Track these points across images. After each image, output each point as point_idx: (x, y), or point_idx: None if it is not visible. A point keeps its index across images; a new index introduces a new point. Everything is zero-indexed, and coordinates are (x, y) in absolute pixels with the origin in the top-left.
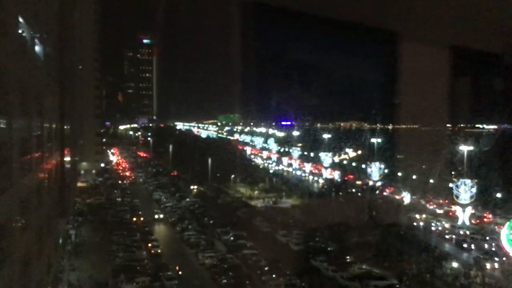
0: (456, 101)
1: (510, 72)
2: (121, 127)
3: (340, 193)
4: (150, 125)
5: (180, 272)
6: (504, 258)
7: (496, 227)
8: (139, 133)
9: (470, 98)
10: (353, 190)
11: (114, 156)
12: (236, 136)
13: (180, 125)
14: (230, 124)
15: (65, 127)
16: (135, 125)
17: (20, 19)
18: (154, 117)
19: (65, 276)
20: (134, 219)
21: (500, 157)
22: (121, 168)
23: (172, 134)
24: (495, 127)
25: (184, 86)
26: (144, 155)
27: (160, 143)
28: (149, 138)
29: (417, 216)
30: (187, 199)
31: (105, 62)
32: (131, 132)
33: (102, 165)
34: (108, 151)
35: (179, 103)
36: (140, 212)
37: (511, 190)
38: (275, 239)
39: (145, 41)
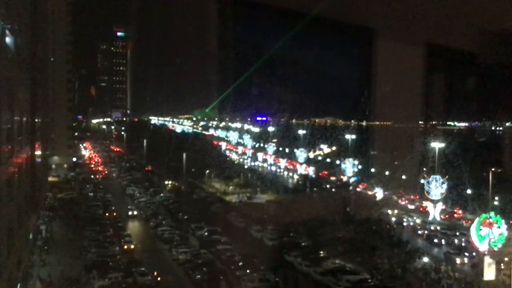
0: (429, 99)
1: (483, 71)
2: (94, 121)
3: (315, 189)
4: (124, 119)
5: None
6: (473, 253)
7: (466, 222)
8: (113, 127)
9: (443, 96)
10: (327, 186)
11: (86, 151)
12: (212, 131)
13: (154, 120)
14: (205, 119)
15: (36, 120)
16: (109, 119)
17: None
18: (128, 111)
19: (36, 271)
20: (107, 214)
21: (470, 154)
22: (93, 162)
23: (147, 128)
24: (467, 124)
25: (159, 80)
26: (118, 149)
27: (134, 137)
28: (122, 133)
29: (389, 211)
30: (161, 194)
31: (78, 55)
32: (104, 126)
33: (74, 159)
34: (81, 145)
35: (153, 97)
36: (113, 208)
37: (481, 186)
38: (249, 234)
39: (119, 33)
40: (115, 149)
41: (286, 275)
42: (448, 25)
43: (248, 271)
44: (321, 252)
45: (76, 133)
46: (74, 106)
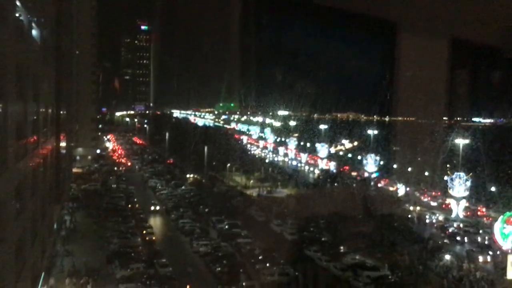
0: (454, 94)
1: (508, 66)
2: (118, 114)
3: (335, 184)
4: (147, 112)
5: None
6: (497, 252)
7: (489, 220)
8: (136, 120)
9: (468, 92)
10: (348, 181)
11: (110, 143)
12: (233, 125)
13: (177, 113)
14: (227, 112)
15: (61, 112)
16: (132, 112)
17: (17, 3)
18: (151, 104)
19: (59, 261)
20: (129, 206)
21: (495, 151)
22: (116, 154)
23: (169, 121)
24: (492, 121)
25: (181, 73)
26: (140, 142)
27: (156, 130)
28: (145, 125)
29: (411, 208)
30: (183, 187)
31: (102, 48)
32: (127, 119)
33: (98, 151)
34: (104, 137)
35: (176, 90)
36: (135, 199)
37: (505, 184)
38: (269, 228)
39: (143, 27)
40: (137, 142)
41: (305, 270)
42: (473, 19)
43: (267, 264)
44: (341, 247)
45: (100, 125)
46: (98, 98)
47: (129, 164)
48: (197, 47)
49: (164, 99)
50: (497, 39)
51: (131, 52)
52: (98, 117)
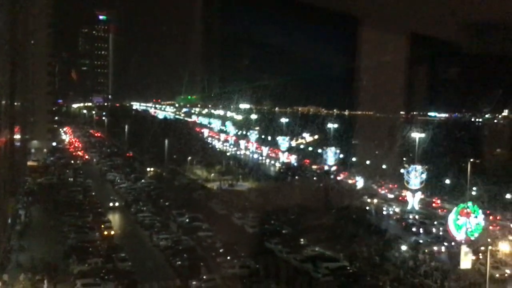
0: (412, 89)
1: (465, 62)
2: (75, 106)
3: (296, 177)
4: (105, 104)
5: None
6: (451, 243)
7: (443, 212)
8: (94, 112)
9: (425, 87)
10: (309, 174)
11: (66, 135)
12: (194, 118)
13: (136, 105)
14: (188, 105)
15: (15, 104)
16: (90, 104)
17: None
18: (110, 96)
19: (14, 257)
20: (87, 200)
21: (449, 145)
22: (74, 147)
23: (128, 114)
24: (447, 115)
25: (141, 65)
26: (99, 135)
27: (115, 123)
28: (104, 118)
29: (369, 200)
30: (143, 181)
31: (59, 38)
32: (85, 111)
33: (54, 144)
34: (61, 130)
35: (136, 82)
36: (93, 193)
37: (459, 176)
38: (230, 221)
39: (101, 17)
40: (95, 134)
41: (266, 262)
42: (432, 16)
43: (228, 257)
44: (301, 239)
45: (56, 118)
46: (54, 90)
47: (86, 157)
48: (158, 38)
49: (123, 91)
50: (454, 35)
51: (89, 42)
52: (54, 109)
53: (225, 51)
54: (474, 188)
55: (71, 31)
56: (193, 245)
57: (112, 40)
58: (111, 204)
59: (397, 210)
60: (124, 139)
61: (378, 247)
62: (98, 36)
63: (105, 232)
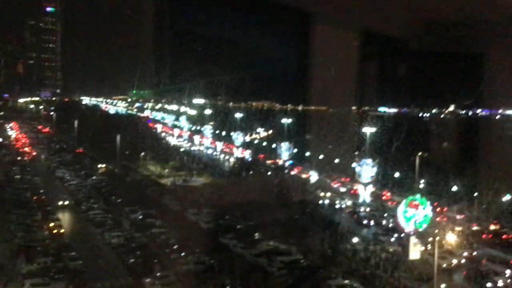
0: (363, 85)
1: (414, 59)
2: (21, 100)
3: (251, 172)
4: (54, 99)
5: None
6: (401, 234)
7: (393, 204)
8: (41, 107)
9: (376, 82)
10: (263, 169)
11: (12, 131)
12: (147, 113)
13: (86, 100)
14: (140, 100)
15: None
16: (37, 99)
17: None
18: (58, 91)
19: None
20: (35, 198)
21: (399, 139)
22: (20, 143)
23: (78, 109)
24: (396, 110)
25: (92, 59)
26: (47, 130)
27: (64, 118)
28: (52, 113)
29: (322, 194)
30: (93, 177)
31: (4, 30)
32: (32, 106)
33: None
34: (6, 125)
35: (86, 76)
36: (41, 191)
37: (409, 170)
38: (185, 217)
39: (48, 9)
40: (44, 130)
41: (221, 257)
42: (382, 13)
43: (183, 254)
44: (256, 234)
45: (1, 113)
46: None
47: (34, 153)
48: (109, 31)
49: (73, 85)
50: (404, 32)
51: (36, 35)
52: None
53: (178, 45)
54: (423, 181)
55: (16, 23)
56: (146, 242)
57: (61, 33)
58: (60, 202)
59: (349, 203)
60: (74, 135)
61: (331, 240)
62: (46, 29)
63: (55, 231)
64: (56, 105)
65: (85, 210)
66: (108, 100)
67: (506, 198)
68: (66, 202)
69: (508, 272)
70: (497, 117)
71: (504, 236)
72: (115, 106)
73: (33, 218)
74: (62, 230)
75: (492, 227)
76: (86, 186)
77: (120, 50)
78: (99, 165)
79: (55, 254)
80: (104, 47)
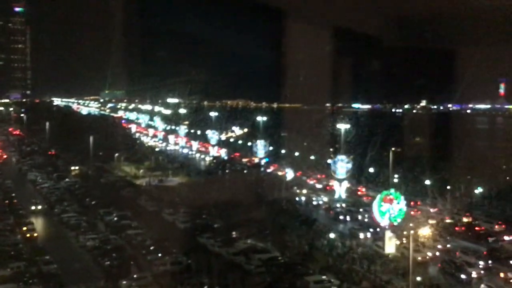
0: (336, 82)
1: (385, 55)
2: None
3: (227, 171)
4: (24, 100)
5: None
6: (377, 229)
7: (368, 199)
8: (11, 109)
9: (349, 79)
10: (239, 167)
11: None
12: (120, 113)
13: (58, 101)
14: (113, 100)
15: None
16: (6, 101)
17: None
18: (29, 92)
19: None
20: (7, 201)
21: (372, 135)
22: None
23: (49, 110)
24: (369, 106)
25: (62, 59)
26: (17, 132)
27: (35, 120)
28: (22, 115)
29: (299, 191)
30: (67, 180)
31: None
32: (1, 108)
33: None
34: None
35: (57, 77)
36: (13, 194)
37: (382, 165)
38: (161, 218)
39: (17, 9)
40: (14, 133)
41: (198, 257)
42: (355, 10)
43: (160, 254)
44: (233, 233)
45: None
46: None
47: (5, 156)
48: (80, 31)
49: (43, 86)
50: (376, 29)
51: (4, 35)
52: None
53: (150, 44)
54: (396, 176)
55: None
56: (122, 244)
57: (30, 33)
58: (33, 205)
59: (325, 199)
60: (45, 137)
61: (307, 237)
62: (15, 29)
63: (28, 235)
64: (27, 107)
65: (59, 213)
66: (80, 101)
67: (478, 190)
68: (39, 205)
69: (481, 263)
70: (468, 111)
71: (476, 228)
72: (87, 107)
73: (5, 222)
74: (35, 234)
75: (465, 219)
76: (59, 188)
77: (91, 50)
78: (72, 167)
79: (28, 258)
80: (74, 47)
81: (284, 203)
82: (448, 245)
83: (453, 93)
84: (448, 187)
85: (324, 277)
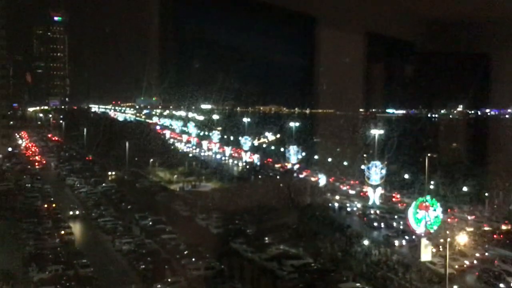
0: (369, 87)
1: (419, 60)
2: (31, 109)
3: (259, 176)
4: (63, 107)
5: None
6: (412, 236)
7: (403, 206)
8: (50, 115)
9: (382, 84)
10: (272, 173)
11: (22, 140)
12: (155, 120)
13: (95, 108)
14: (148, 107)
15: None
16: (46, 107)
17: None
18: (67, 99)
19: None
20: (46, 205)
21: (407, 140)
22: (30, 152)
23: (87, 117)
24: (404, 112)
25: (100, 67)
26: (56, 138)
27: (73, 126)
28: (61, 121)
29: (332, 197)
30: (103, 184)
31: (13, 40)
32: (41, 115)
33: (10, 149)
34: (16, 134)
35: (94, 84)
36: (52, 199)
37: (418, 171)
38: (194, 223)
39: (56, 18)
40: (53, 138)
41: (231, 262)
42: (387, 14)
43: (193, 259)
44: (266, 238)
45: (11, 122)
46: (8, 93)
47: (44, 162)
48: (116, 39)
49: (81, 93)
50: (408, 34)
51: (44, 44)
52: (9, 113)
53: (185, 51)
54: (432, 182)
55: (25, 33)
56: (156, 248)
57: (69, 42)
58: (71, 210)
59: (358, 205)
60: (83, 142)
61: (341, 243)
62: (54, 38)
63: (66, 238)
64: (65, 113)
65: (96, 217)
66: (116, 107)
67: None
68: (76, 210)
69: None
70: (506, 116)
71: None
72: (123, 113)
73: (44, 226)
74: (72, 238)
75: (504, 227)
76: (96, 193)
77: (127, 57)
78: (109, 172)
79: (66, 261)
80: (111, 55)
81: (317, 209)
82: (486, 254)
83: (491, 98)
84: (486, 194)
85: (358, 284)
